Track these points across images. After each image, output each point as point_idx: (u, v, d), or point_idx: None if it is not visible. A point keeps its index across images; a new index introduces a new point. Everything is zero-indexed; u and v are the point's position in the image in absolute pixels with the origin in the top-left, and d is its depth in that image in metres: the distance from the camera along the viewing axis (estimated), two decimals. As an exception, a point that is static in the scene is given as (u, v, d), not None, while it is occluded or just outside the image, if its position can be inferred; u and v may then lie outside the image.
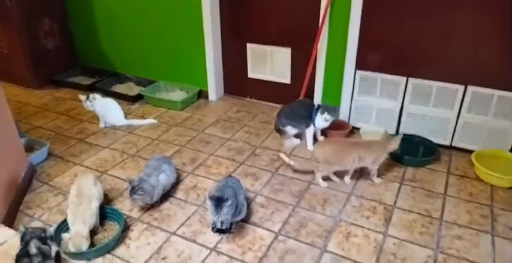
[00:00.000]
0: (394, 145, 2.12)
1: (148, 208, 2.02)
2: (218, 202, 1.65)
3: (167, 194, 2.10)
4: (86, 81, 3.58)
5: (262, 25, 2.90)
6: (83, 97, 2.78)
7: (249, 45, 3.01)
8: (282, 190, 2.15)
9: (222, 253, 1.73)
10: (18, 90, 3.52)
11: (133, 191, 1.89)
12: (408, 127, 2.52)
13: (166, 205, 2.05)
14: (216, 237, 1.81)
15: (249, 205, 2.02)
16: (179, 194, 2.15)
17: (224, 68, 3.24)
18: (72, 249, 1.67)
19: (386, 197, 2.07)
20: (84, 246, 1.68)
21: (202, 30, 3.00)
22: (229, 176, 2.06)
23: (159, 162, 2.11)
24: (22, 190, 2.16)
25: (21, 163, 2.25)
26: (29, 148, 2.48)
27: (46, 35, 3.49)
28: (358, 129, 2.66)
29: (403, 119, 2.52)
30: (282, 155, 2.25)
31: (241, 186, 1.93)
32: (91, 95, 2.78)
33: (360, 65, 2.52)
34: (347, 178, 2.18)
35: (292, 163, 2.21)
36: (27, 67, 3.45)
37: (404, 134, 2.48)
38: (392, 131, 2.56)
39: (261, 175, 2.28)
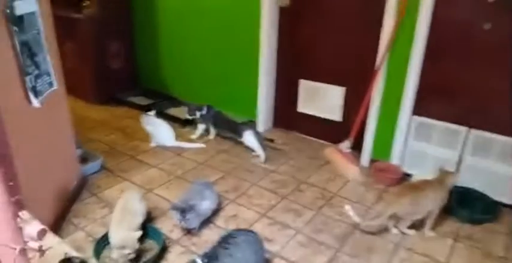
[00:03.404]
0: (453, 179, 2.04)
1: (188, 231, 2.01)
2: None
3: (208, 220, 2.10)
4: (143, 101, 3.76)
5: (317, 63, 2.94)
6: (143, 115, 2.93)
7: (302, 81, 3.04)
8: (324, 230, 2.07)
9: (257, 289, 1.67)
10: (81, 104, 3.76)
11: (184, 212, 1.90)
12: (466, 180, 2.37)
13: (206, 231, 2.04)
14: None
15: (288, 242, 1.96)
16: (219, 221, 2.13)
17: (275, 101, 3.28)
18: (126, 251, 1.70)
19: (438, 254, 1.92)
20: (136, 245, 1.72)
21: (258, 62, 3.09)
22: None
23: (201, 187, 2.13)
24: (72, 199, 2.25)
25: (74, 173, 2.36)
26: (84, 159, 2.60)
27: (113, 56, 3.75)
28: (409, 175, 2.55)
29: (461, 170, 2.38)
30: (347, 207, 2.02)
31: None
32: (148, 112, 2.92)
33: (417, 110, 2.45)
34: (409, 230, 2.05)
35: (357, 219, 1.99)
36: (92, 84, 3.70)
37: (461, 187, 2.36)
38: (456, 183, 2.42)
39: (304, 212, 2.22)
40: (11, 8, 1.55)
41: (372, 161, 2.71)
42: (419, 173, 2.50)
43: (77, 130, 3.08)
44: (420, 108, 2.44)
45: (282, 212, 2.22)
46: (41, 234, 0.89)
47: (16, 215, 0.91)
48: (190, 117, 3.12)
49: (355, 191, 2.45)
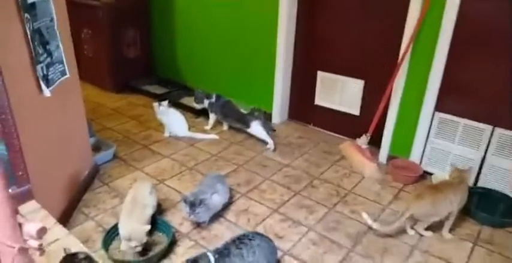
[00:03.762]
0: (469, 177, 1.99)
1: (198, 225, 1.99)
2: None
3: (218, 214, 2.06)
4: (158, 90, 3.73)
5: (336, 55, 2.84)
6: (155, 104, 2.88)
7: (320, 73, 2.95)
8: (337, 228, 2.01)
9: (266, 288, 1.63)
10: (97, 91, 3.76)
11: (194, 206, 1.87)
12: (488, 181, 2.27)
13: (215, 225, 2.01)
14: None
15: (299, 240, 1.92)
16: (230, 215, 2.09)
17: (291, 93, 3.20)
18: (132, 244, 1.68)
19: (456, 257, 1.84)
20: (144, 239, 1.69)
21: (275, 53, 3.00)
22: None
23: (213, 181, 2.09)
24: (83, 188, 2.25)
25: (86, 162, 2.35)
26: (96, 148, 2.59)
27: (129, 44, 3.72)
28: (430, 174, 2.45)
29: (483, 170, 2.27)
30: (365, 216, 1.94)
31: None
32: (162, 102, 2.88)
33: (440, 106, 2.34)
34: (426, 232, 1.97)
35: (375, 226, 1.90)
36: (108, 72, 3.69)
37: (482, 188, 2.26)
38: (470, 182, 2.31)
39: (317, 209, 2.16)
40: (22, -6, 1.52)
41: (390, 158, 2.62)
42: (440, 172, 2.40)
43: (92, 118, 3.10)
44: (443, 104, 2.32)
45: (294, 208, 2.17)
46: (41, 232, 0.86)
47: (16, 212, 0.87)
48: (198, 106, 3.07)
49: (371, 188, 2.37)
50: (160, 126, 2.99)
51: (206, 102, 3.01)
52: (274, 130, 2.91)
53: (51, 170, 1.86)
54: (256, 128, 2.78)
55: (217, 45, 3.41)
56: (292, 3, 2.85)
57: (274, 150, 2.76)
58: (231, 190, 2.24)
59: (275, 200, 2.23)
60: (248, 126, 2.82)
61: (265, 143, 2.80)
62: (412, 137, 2.48)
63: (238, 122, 2.92)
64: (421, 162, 2.49)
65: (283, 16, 2.86)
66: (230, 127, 3.06)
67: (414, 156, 2.51)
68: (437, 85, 2.29)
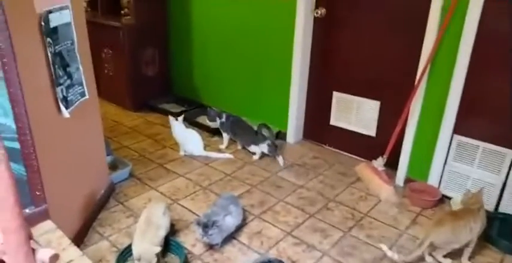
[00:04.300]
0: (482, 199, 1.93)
1: (210, 247, 1.97)
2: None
3: (231, 236, 2.04)
4: (175, 109, 3.78)
5: (352, 75, 2.83)
6: (171, 117, 2.93)
7: (336, 94, 2.94)
8: (353, 254, 1.96)
9: None
10: (115, 110, 3.83)
11: (207, 227, 1.86)
12: (510, 206, 2.19)
13: (228, 247, 1.99)
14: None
15: (314, 265, 1.88)
16: (243, 237, 2.07)
17: (306, 112, 3.20)
18: None
19: (476, 287, 1.78)
20: (154, 260, 1.69)
21: (290, 73, 3.02)
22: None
23: (227, 202, 2.08)
24: (99, 206, 2.27)
25: (103, 180, 2.38)
26: (113, 166, 2.62)
27: (148, 63, 3.80)
28: (448, 198, 2.38)
29: (504, 195, 2.20)
30: (384, 248, 1.89)
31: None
32: (177, 117, 2.93)
33: (459, 129, 2.29)
34: (445, 259, 1.90)
35: (396, 257, 1.84)
36: (127, 90, 3.77)
37: (503, 214, 2.18)
38: (491, 207, 2.24)
39: (331, 233, 2.12)
40: (46, 20, 1.58)
41: (408, 180, 2.57)
42: (459, 196, 2.33)
43: (110, 136, 3.16)
44: (462, 126, 2.28)
45: (308, 231, 2.13)
46: (54, 259, 0.87)
47: (29, 238, 0.89)
48: (211, 124, 3.12)
49: (388, 212, 2.31)
50: (176, 145, 3.02)
51: (218, 122, 3.04)
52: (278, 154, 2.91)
53: (67, 190, 1.89)
54: (263, 149, 2.87)
55: (232, 64, 3.46)
56: (309, 24, 2.88)
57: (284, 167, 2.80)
58: (244, 211, 2.23)
59: (289, 223, 2.20)
60: (256, 145, 2.90)
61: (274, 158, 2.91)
62: (430, 160, 2.43)
63: (247, 141, 2.95)
64: (439, 185, 2.43)
65: (299, 37, 2.88)
66: (244, 147, 3.07)
67: (432, 179, 2.45)
68: (455, 107, 2.25)
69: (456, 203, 2.29)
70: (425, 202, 2.34)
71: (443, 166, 2.39)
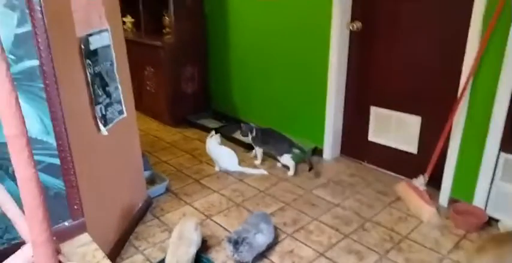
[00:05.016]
0: None
1: (241, 265, 1.95)
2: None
3: (262, 254, 2.01)
4: (213, 124, 3.85)
5: (390, 89, 2.74)
6: (207, 139, 2.98)
7: (373, 108, 2.86)
8: (389, 279, 1.86)
9: None
10: (156, 125, 3.97)
11: (237, 244, 1.86)
12: None
13: (259, 267, 1.96)
14: None
15: (347, 288, 1.79)
16: (274, 256, 2.03)
17: (343, 128, 3.13)
18: None
19: None
20: None
21: (326, 87, 2.98)
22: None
23: (257, 220, 2.06)
24: (136, 220, 2.33)
25: (140, 195, 2.45)
26: (151, 181, 2.70)
27: (187, 80, 3.92)
28: (496, 220, 2.21)
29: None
30: None
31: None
32: (211, 136, 2.97)
33: (505, 146, 2.13)
34: None
35: None
36: (167, 107, 3.89)
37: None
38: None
39: (367, 255, 2.03)
40: (86, 43, 1.68)
41: (451, 201, 2.41)
42: (508, 219, 2.16)
43: (149, 151, 3.27)
44: (509, 144, 2.12)
45: (342, 252, 2.05)
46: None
47: (57, 252, 0.92)
48: (244, 139, 3.15)
49: (429, 235, 2.18)
50: (212, 161, 3.06)
51: (250, 137, 3.04)
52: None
53: (105, 204, 1.96)
54: (286, 159, 2.91)
55: (268, 79, 3.48)
56: (345, 38, 2.85)
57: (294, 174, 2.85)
58: (276, 229, 2.19)
59: (322, 243, 2.13)
60: (280, 155, 2.92)
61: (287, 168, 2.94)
62: (475, 179, 2.27)
63: (279, 151, 2.94)
64: (486, 207, 2.26)
65: (334, 51, 2.85)
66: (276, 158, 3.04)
67: (478, 200, 2.28)
68: (501, 123, 2.10)
69: (505, 227, 2.11)
70: (470, 224, 2.18)
71: (490, 186, 2.22)
